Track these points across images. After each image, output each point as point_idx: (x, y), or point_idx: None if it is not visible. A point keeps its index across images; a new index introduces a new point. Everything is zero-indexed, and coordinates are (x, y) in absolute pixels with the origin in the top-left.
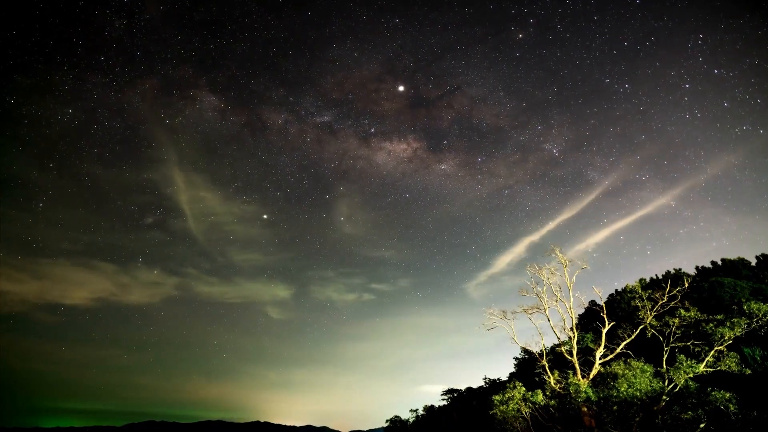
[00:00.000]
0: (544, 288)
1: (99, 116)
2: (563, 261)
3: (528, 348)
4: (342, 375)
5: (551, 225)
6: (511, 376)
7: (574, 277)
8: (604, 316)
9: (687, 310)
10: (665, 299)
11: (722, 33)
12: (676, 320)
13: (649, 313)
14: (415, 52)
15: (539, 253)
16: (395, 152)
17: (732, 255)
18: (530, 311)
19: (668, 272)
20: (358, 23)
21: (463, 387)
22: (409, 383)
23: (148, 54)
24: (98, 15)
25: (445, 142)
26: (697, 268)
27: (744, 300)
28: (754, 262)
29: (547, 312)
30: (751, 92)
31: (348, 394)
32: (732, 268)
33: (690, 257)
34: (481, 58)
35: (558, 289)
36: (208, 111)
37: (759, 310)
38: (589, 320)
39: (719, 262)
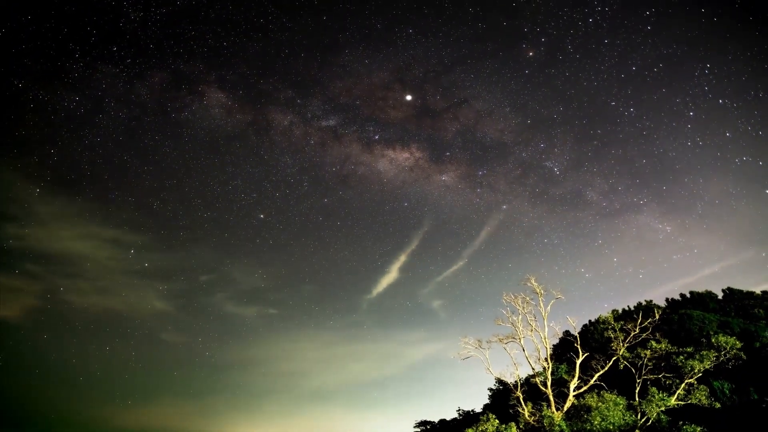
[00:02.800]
0: (519, 317)
1: (105, 105)
2: (538, 291)
3: (503, 379)
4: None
5: (546, 242)
6: (486, 407)
7: (548, 307)
8: (578, 346)
9: (658, 341)
10: (637, 330)
11: (729, 64)
12: (648, 352)
13: (621, 344)
14: (425, 63)
15: (532, 270)
16: (397, 160)
17: (724, 284)
18: (505, 341)
19: (639, 303)
20: (372, 31)
21: (436, 419)
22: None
23: (161, 47)
24: (115, 5)
25: (447, 153)
26: (667, 300)
27: (712, 333)
28: (720, 295)
29: (522, 342)
30: (754, 124)
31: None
32: (700, 300)
33: (682, 283)
34: (490, 73)
35: (533, 318)
36: (215, 107)
37: (726, 343)
38: (563, 350)
39: (688, 295)
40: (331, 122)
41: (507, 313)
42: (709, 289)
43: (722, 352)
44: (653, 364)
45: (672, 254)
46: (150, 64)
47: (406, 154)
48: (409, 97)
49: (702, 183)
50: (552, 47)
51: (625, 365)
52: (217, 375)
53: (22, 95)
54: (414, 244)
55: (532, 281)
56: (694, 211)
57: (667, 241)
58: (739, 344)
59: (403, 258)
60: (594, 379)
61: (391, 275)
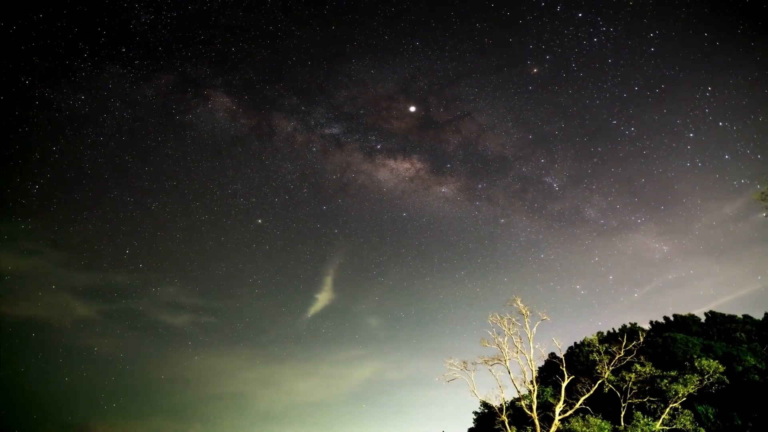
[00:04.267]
0: (505, 339)
1: (111, 105)
2: (524, 311)
3: (488, 402)
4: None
5: (542, 257)
6: (470, 431)
7: (534, 328)
8: (564, 369)
9: (642, 365)
10: (622, 353)
11: (730, 88)
12: (633, 375)
13: (606, 367)
14: (431, 76)
15: (528, 285)
16: (398, 170)
17: (717, 304)
18: (491, 362)
19: (624, 326)
20: (380, 42)
21: None
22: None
23: (169, 50)
24: (127, 7)
25: (448, 165)
26: (651, 322)
27: (695, 356)
28: (703, 318)
29: (507, 364)
30: (753, 148)
31: None
32: (683, 324)
33: (676, 303)
34: (494, 88)
35: (519, 339)
36: (220, 111)
37: (710, 367)
38: (549, 373)
39: (672, 318)
40: (334, 130)
41: (493, 334)
42: (702, 310)
43: (705, 376)
44: (638, 388)
45: (668, 274)
46: (157, 66)
47: (407, 165)
48: (412, 109)
49: (700, 204)
50: (556, 65)
51: (611, 389)
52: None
53: (27, 92)
54: (410, 255)
55: (518, 302)
56: (691, 231)
57: (663, 261)
58: (722, 368)
59: (397, 268)
60: (579, 402)
61: (387, 284)
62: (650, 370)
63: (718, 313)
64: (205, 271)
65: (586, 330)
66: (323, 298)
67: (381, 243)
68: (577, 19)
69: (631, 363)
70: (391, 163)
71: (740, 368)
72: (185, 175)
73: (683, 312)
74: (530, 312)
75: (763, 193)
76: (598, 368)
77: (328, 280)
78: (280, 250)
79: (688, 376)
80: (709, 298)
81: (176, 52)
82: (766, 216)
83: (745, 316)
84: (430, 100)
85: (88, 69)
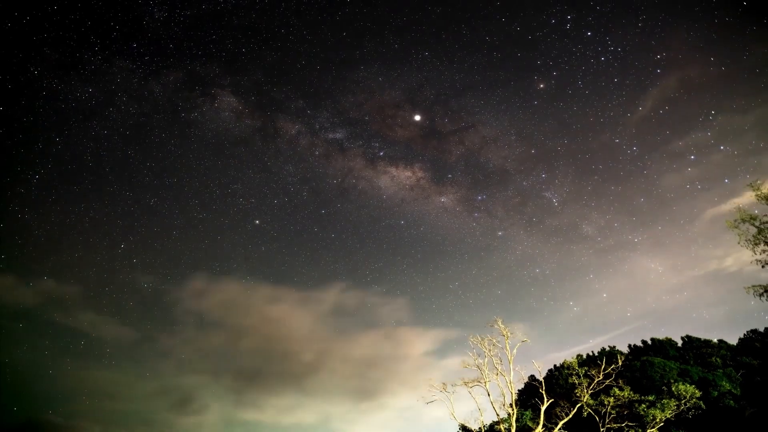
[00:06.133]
0: (486, 360)
1: (117, 100)
2: (504, 333)
3: (467, 425)
4: None
5: (537, 272)
6: None
7: (515, 350)
8: (543, 392)
9: (621, 389)
10: (601, 377)
11: (733, 112)
12: (611, 399)
13: (585, 390)
14: (438, 86)
15: (521, 299)
16: (399, 178)
17: (708, 329)
18: (471, 384)
19: (603, 349)
20: (389, 50)
21: None
22: None
23: (180, 48)
24: (141, 4)
25: (449, 175)
26: (629, 346)
27: (673, 381)
28: (680, 342)
29: (487, 386)
30: (753, 173)
31: None
32: (660, 347)
33: (669, 325)
34: (500, 101)
35: (499, 361)
36: (226, 111)
37: (686, 392)
38: (528, 396)
39: (649, 341)
40: (338, 135)
41: (473, 355)
42: (680, 334)
43: (683, 401)
44: (616, 412)
45: (662, 294)
46: (167, 63)
47: (408, 173)
48: (417, 117)
49: (697, 226)
50: (563, 81)
51: (589, 413)
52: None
53: (35, 82)
54: (405, 263)
55: (499, 323)
56: (687, 253)
57: (657, 281)
58: (698, 393)
59: (392, 275)
60: (558, 427)
61: (380, 291)
62: (628, 394)
63: (694, 337)
64: (198, 270)
65: (578, 346)
66: (316, 302)
67: (377, 249)
68: (585, 38)
69: (610, 387)
70: (393, 170)
71: (716, 393)
72: (186, 173)
73: (661, 336)
74: (511, 333)
75: (735, 220)
76: (578, 392)
77: (322, 285)
78: (275, 252)
79: (665, 401)
80: (701, 320)
81: (187, 50)
82: (739, 243)
83: (720, 341)
84: (436, 110)
85: (97, 62)
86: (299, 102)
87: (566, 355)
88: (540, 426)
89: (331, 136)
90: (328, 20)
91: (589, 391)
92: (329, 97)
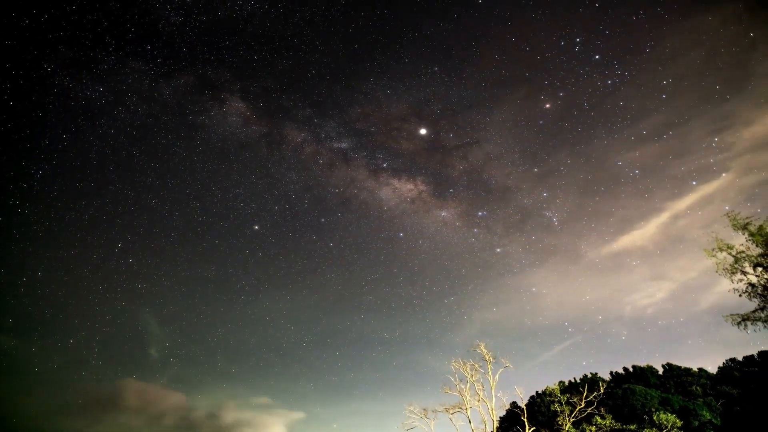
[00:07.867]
0: (467, 386)
1: (127, 100)
2: (487, 358)
3: None
4: None
5: (534, 290)
6: None
7: (497, 376)
8: (525, 420)
9: (603, 417)
10: (583, 404)
11: (737, 140)
12: (593, 428)
13: (567, 419)
14: (445, 101)
15: (516, 317)
16: (401, 190)
17: (703, 357)
18: (452, 410)
19: (585, 376)
20: (399, 64)
21: None
22: None
23: (193, 52)
24: (159, 7)
25: (451, 190)
26: (611, 373)
27: (654, 409)
28: (660, 370)
29: (468, 413)
30: (753, 201)
31: None
32: (642, 375)
33: (663, 350)
34: (505, 119)
35: (481, 387)
36: (233, 116)
37: (667, 421)
38: (510, 423)
39: (630, 369)
40: (343, 145)
41: (455, 380)
42: (660, 362)
43: (663, 430)
44: None
45: (658, 320)
46: (179, 67)
47: (410, 186)
48: (423, 131)
49: (697, 253)
50: (568, 102)
51: None
52: None
53: (47, 79)
54: (402, 275)
55: (482, 348)
56: (683, 279)
57: (654, 306)
58: (679, 423)
59: (387, 288)
60: None
61: (374, 303)
62: (610, 422)
63: (675, 365)
64: (194, 272)
65: (572, 370)
66: (310, 309)
67: (374, 261)
68: (593, 61)
69: (591, 415)
70: (395, 182)
71: (696, 423)
72: (189, 175)
73: (640, 365)
74: (494, 358)
75: (713, 249)
76: (560, 419)
77: (316, 293)
78: (272, 258)
79: (647, 431)
80: (696, 347)
81: (200, 55)
82: (717, 272)
83: (701, 370)
84: (441, 125)
85: (110, 62)
86: (307, 110)
87: (548, 381)
88: None
89: (336, 145)
90: (341, 32)
91: (571, 420)
92: (337, 107)
